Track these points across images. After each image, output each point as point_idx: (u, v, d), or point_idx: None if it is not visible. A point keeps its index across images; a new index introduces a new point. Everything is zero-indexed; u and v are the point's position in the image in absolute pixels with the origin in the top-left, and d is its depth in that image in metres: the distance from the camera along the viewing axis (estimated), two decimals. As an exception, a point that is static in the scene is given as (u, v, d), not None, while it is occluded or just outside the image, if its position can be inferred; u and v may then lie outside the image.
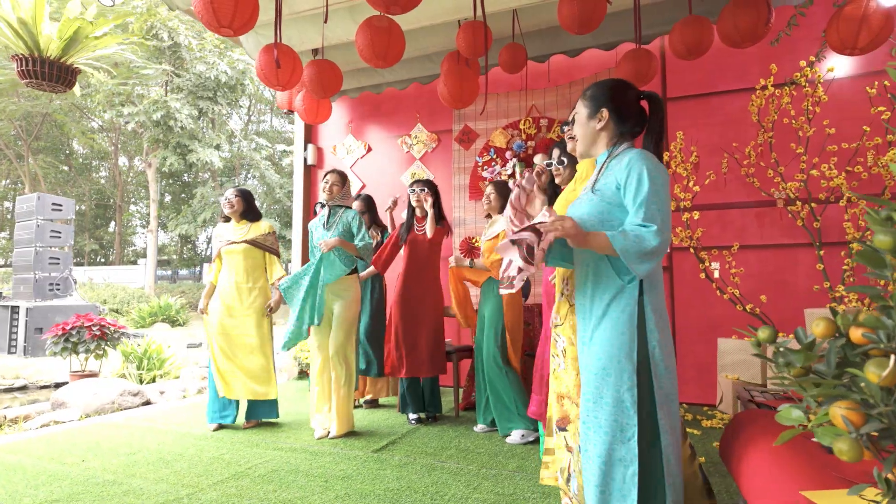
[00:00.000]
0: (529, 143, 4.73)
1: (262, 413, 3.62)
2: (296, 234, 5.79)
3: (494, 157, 4.84)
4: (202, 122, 14.21)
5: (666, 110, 4.14)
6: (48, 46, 3.06)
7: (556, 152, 2.37)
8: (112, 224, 25.08)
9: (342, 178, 3.49)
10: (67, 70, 3.32)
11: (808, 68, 3.87)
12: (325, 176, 3.50)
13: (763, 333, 0.95)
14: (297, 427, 3.58)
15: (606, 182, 1.56)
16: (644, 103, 1.62)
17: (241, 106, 16.23)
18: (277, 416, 3.67)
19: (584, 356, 1.59)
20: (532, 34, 4.24)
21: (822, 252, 3.90)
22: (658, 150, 1.59)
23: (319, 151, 5.81)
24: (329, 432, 3.34)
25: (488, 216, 3.53)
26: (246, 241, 3.60)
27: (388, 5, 2.31)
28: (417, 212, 3.74)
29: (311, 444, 3.21)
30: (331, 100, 4.66)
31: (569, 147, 1.90)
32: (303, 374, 5.54)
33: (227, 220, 3.75)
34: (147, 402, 4.51)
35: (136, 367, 5.62)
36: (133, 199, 24.47)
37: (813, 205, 3.92)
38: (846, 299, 3.71)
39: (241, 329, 3.54)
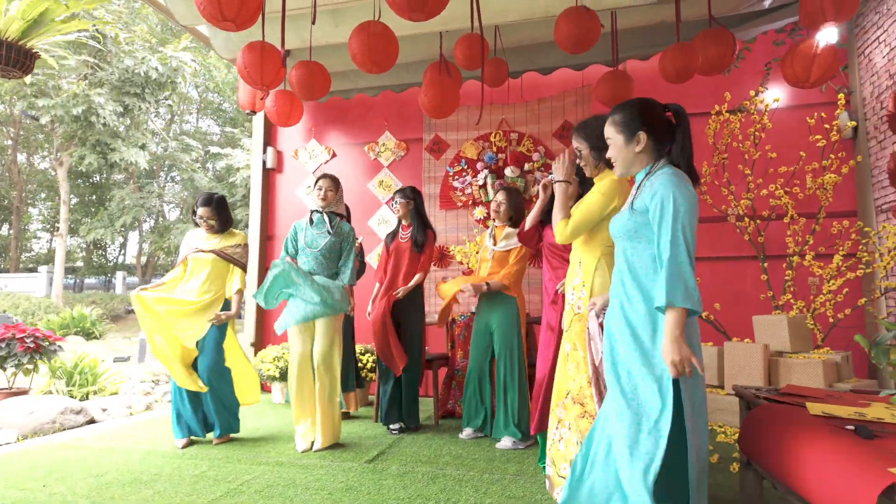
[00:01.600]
0: (500, 155, 4.85)
1: (225, 428, 3.40)
2: (252, 241, 5.53)
3: (466, 167, 4.92)
4: (125, 120, 13.23)
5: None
6: (8, 27, 2.75)
7: (555, 164, 2.40)
8: (5, 227, 22.60)
9: (335, 183, 3.41)
10: (27, 54, 3.00)
11: (755, 97, 4.29)
12: (318, 182, 3.41)
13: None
14: (273, 440, 3.42)
15: (643, 201, 1.66)
16: (670, 115, 1.72)
17: (170, 104, 15.27)
18: (223, 434, 3.39)
19: (629, 358, 1.66)
20: (508, 51, 4.38)
21: (765, 264, 4.30)
22: (689, 163, 1.68)
23: (279, 155, 5.62)
24: (313, 444, 3.22)
25: (486, 220, 3.60)
26: (214, 252, 3.41)
27: (411, 12, 2.31)
28: (402, 220, 3.73)
29: (298, 457, 3.08)
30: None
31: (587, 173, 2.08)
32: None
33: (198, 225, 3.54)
34: (91, 421, 4.11)
35: (66, 384, 5.11)
36: (31, 200, 22.20)
37: (758, 221, 4.32)
38: (791, 307, 4.11)
39: (187, 333, 3.32)
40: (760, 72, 4.53)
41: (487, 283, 3.36)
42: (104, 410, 4.35)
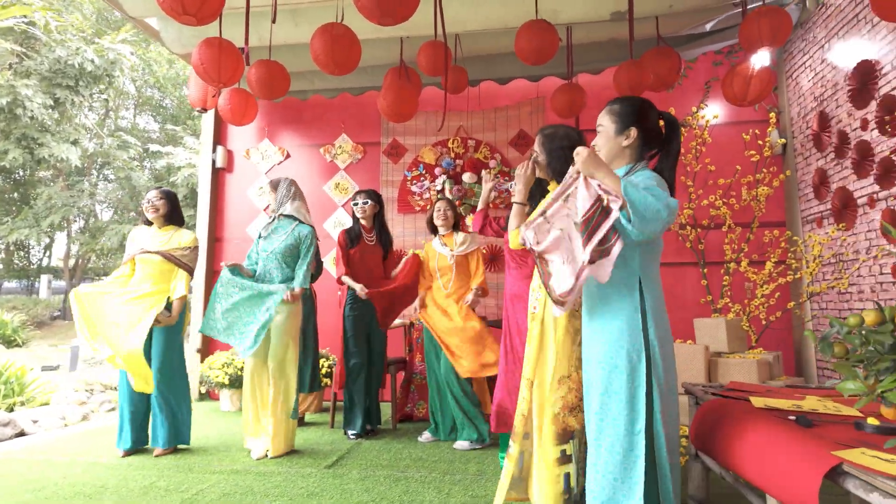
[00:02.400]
0: (458, 161, 4.92)
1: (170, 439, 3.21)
2: (200, 243, 5.32)
3: (424, 172, 4.95)
4: (55, 114, 12.40)
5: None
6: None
7: (512, 185, 2.48)
8: None
9: (273, 185, 3.48)
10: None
11: (697, 113, 4.57)
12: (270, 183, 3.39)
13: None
14: (225, 449, 3.32)
15: None
16: (662, 124, 1.80)
17: (106, 99, 14.43)
18: (168, 446, 3.21)
19: (590, 351, 1.74)
20: (467, 59, 4.45)
21: (705, 270, 4.58)
22: (672, 172, 1.75)
23: (230, 154, 5.46)
24: (268, 452, 3.14)
25: (434, 230, 3.66)
26: (160, 254, 3.26)
27: (381, 16, 2.33)
28: (364, 223, 3.71)
29: (253, 464, 3.00)
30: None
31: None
32: (205, 396, 5.09)
33: (149, 223, 3.39)
34: (21, 434, 3.84)
35: (-11, 394, 4.74)
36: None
37: (698, 230, 4.60)
38: (728, 311, 4.38)
39: (129, 327, 3.13)
40: (701, 89, 4.83)
41: (481, 290, 3.51)
42: (35, 422, 4.06)
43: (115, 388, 4.82)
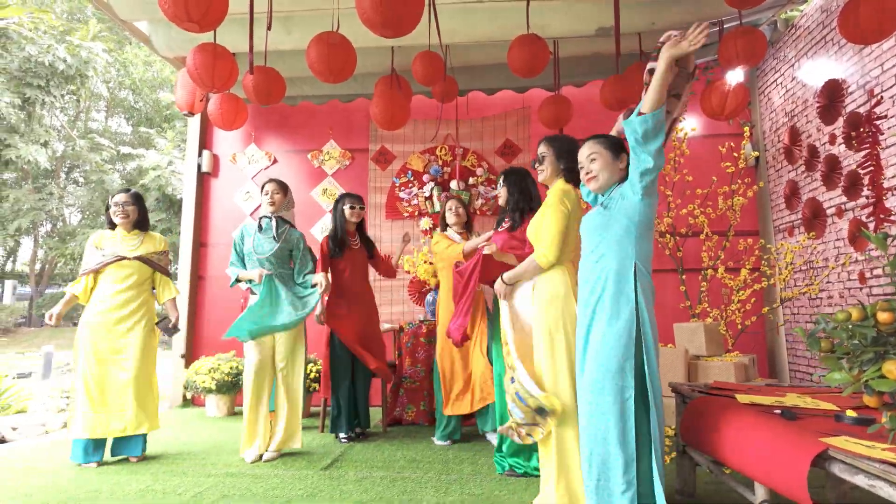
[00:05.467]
0: (446, 168, 5.01)
1: (127, 448, 3.16)
2: (184, 249, 5.29)
3: (412, 179, 5.03)
4: (23, 114, 12.06)
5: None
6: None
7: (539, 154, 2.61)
8: None
9: (282, 187, 3.40)
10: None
11: (675, 126, 4.76)
12: (264, 186, 3.38)
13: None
14: (217, 452, 3.31)
15: (615, 200, 1.98)
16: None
17: (77, 100, 14.09)
18: (142, 453, 3.19)
19: (595, 342, 1.90)
20: (456, 70, 4.56)
21: (683, 276, 4.75)
22: None
23: (215, 159, 5.44)
24: (262, 456, 3.15)
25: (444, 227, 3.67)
26: (139, 259, 3.22)
27: (383, 28, 2.40)
28: (349, 227, 3.74)
29: (248, 467, 3.00)
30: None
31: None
32: (189, 402, 5.03)
33: (112, 226, 3.29)
34: (2, 440, 3.75)
35: (-38, 402, 4.62)
36: None
37: (677, 237, 4.78)
38: (706, 315, 4.57)
39: (122, 353, 3.12)
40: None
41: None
42: (15, 429, 3.97)
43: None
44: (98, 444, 3.09)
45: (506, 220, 2.90)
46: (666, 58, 1.80)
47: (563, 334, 2.19)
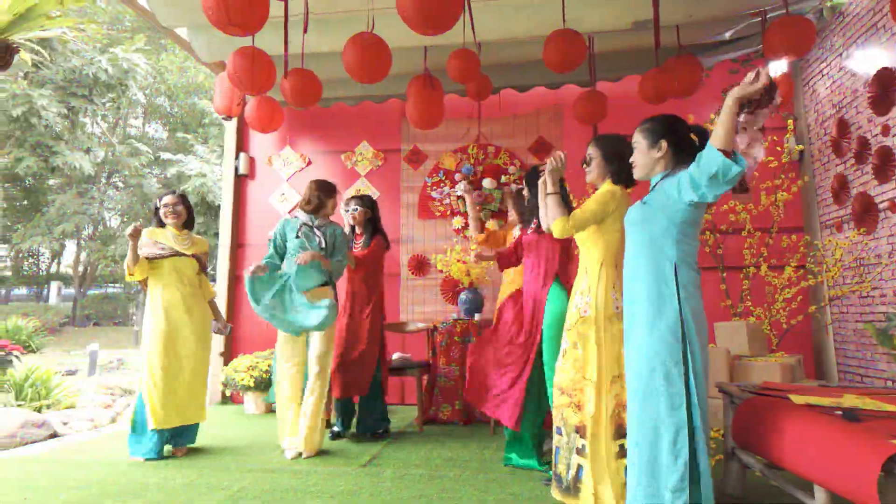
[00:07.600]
0: (478, 167, 5.00)
1: (186, 438, 3.31)
2: (222, 250, 5.41)
3: (444, 178, 5.03)
4: (67, 122, 12.56)
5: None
6: (-8, 20, 2.63)
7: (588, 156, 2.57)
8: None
9: (320, 187, 3.47)
10: (7, 48, 2.88)
11: (715, 120, 4.63)
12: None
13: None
14: (258, 449, 3.36)
15: (657, 197, 1.88)
16: (694, 137, 1.92)
17: (117, 107, 14.58)
18: (194, 443, 3.37)
19: (638, 342, 1.85)
20: (488, 67, 4.53)
21: (724, 274, 4.62)
22: None
23: (252, 161, 5.55)
24: (302, 453, 3.19)
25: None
26: (195, 257, 3.36)
27: (424, 27, 2.41)
28: (356, 228, 3.75)
29: (288, 464, 3.05)
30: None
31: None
32: (227, 399, 5.14)
33: (161, 225, 3.39)
34: (54, 435, 3.89)
35: (15, 397, 4.81)
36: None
37: (717, 235, 4.65)
38: (749, 314, 4.43)
39: (187, 347, 3.24)
40: (718, 97, 4.87)
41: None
42: (65, 424, 4.13)
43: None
44: (161, 436, 3.17)
45: (534, 220, 2.93)
46: (735, 99, 1.69)
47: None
